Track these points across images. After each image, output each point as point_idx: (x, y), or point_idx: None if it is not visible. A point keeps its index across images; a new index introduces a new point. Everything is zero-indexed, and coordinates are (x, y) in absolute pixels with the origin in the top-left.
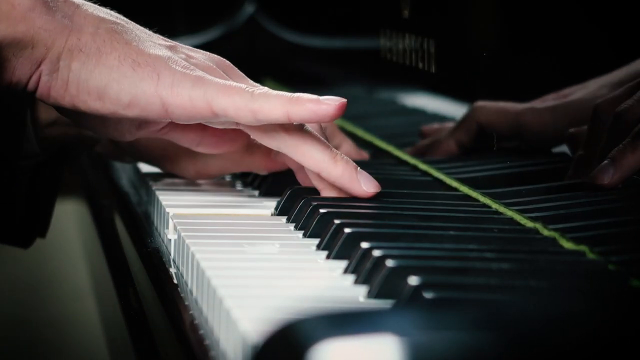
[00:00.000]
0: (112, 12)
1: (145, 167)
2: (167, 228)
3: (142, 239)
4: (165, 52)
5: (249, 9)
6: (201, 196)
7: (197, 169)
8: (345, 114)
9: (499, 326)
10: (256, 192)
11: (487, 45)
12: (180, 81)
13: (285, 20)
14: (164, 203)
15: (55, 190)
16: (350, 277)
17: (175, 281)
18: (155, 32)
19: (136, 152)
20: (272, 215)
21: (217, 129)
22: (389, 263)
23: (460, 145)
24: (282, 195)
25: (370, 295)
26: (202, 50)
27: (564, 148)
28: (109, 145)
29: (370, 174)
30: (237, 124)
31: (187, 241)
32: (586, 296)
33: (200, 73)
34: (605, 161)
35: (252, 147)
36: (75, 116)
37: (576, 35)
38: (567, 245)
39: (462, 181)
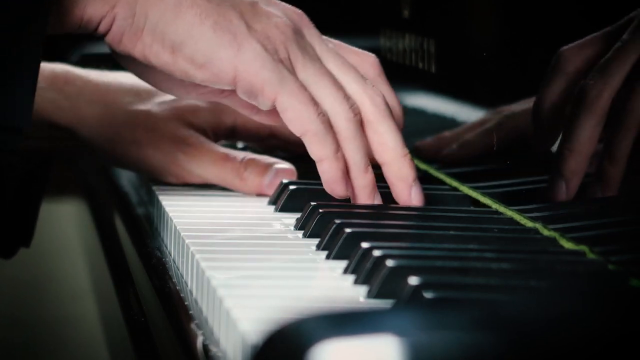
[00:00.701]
0: None
1: None
2: (168, 228)
3: (142, 239)
4: (247, 16)
5: None
6: (202, 198)
7: (178, 176)
8: None
9: (499, 326)
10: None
11: (487, 45)
12: (262, 60)
13: None
14: (163, 203)
15: (39, 200)
16: (350, 277)
17: (175, 281)
18: None
19: (117, 157)
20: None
21: None
22: (389, 263)
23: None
24: (281, 194)
25: (370, 295)
26: (279, 15)
27: None
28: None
29: None
30: None
31: (187, 241)
32: (586, 296)
33: (278, 57)
34: (555, 176)
35: (247, 167)
36: (140, 68)
37: (576, 35)
38: (567, 245)
39: (462, 181)
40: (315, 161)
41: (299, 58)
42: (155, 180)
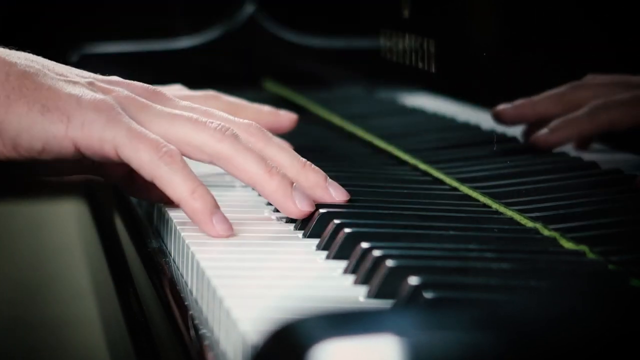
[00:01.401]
0: (28, 55)
1: None
2: (168, 226)
3: (142, 239)
4: (80, 90)
5: (248, 9)
6: None
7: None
8: (346, 114)
9: (499, 326)
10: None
11: (487, 45)
12: (91, 122)
13: (285, 20)
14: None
15: None
16: (350, 277)
17: (175, 281)
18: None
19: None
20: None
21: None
22: (389, 263)
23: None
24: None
25: (370, 295)
26: (126, 81)
27: (563, 148)
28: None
29: (371, 173)
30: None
31: (187, 241)
32: (586, 296)
33: (115, 112)
34: (544, 129)
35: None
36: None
37: (577, 35)
38: (568, 245)
39: (462, 181)
40: (179, 203)
41: (142, 113)
42: None
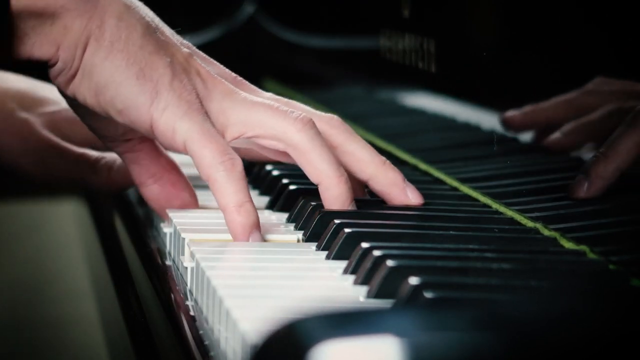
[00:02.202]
0: (141, 4)
1: None
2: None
3: (142, 239)
4: (176, 67)
5: (248, 9)
6: (202, 198)
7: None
8: (345, 114)
9: (499, 326)
10: (256, 192)
11: (487, 45)
12: (173, 107)
13: (285, 20)
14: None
15: None
16: (350, 277)
17: (175, 281)
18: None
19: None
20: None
21: None
22: (389, 263)
23: None
24: (281, 195)
25: (370, 295)
26: (218, 64)
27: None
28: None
29: None
30: None
31: (187, 241)
32: (586, 296)
33: (196, 105)
34: (580, 175)
35: (100, 161)
36: (81, 111)
37: (577, 35)
38: (568, 245)
39: (462, 181)
40: (223, 210)
41: (227, 99)
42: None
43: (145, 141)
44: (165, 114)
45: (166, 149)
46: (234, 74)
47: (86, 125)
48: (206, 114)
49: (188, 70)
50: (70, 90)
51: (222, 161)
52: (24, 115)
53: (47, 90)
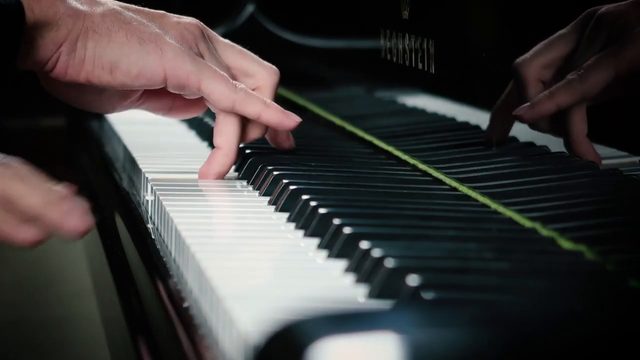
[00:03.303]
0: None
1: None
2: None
3: (143, 238)
4: (163, 28)
5: (249, 8)
6: (203, 198)
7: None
8: (345, 114)
9: (498, 326)
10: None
11: (486, 46)
12: (182, 56)
13: (285, 20)
14: (164, 203)
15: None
16: (350, 277)
17: (175, 281)
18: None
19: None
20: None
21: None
22: (389, 263)
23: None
24: (281, 195)
25: (370, 295)
26: (183, 19)
27: (562, 148)
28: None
29: (371, 173)
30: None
31: (187, 241)
32: (585, 296)
33: (193, 52)
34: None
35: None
36: (72, 96)
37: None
38: (566, 245)
39: (462, 181)
40: (256, 119)
41: (205, 50)
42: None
43: (142, 94)
44: (176, 61)
45: (179, 92)
46: (195, 20)
47: (83, 108)
48: (202, 56)
49: (172, 26)
50: (83, 79)
51: (234, 84)
52: None
53: None
